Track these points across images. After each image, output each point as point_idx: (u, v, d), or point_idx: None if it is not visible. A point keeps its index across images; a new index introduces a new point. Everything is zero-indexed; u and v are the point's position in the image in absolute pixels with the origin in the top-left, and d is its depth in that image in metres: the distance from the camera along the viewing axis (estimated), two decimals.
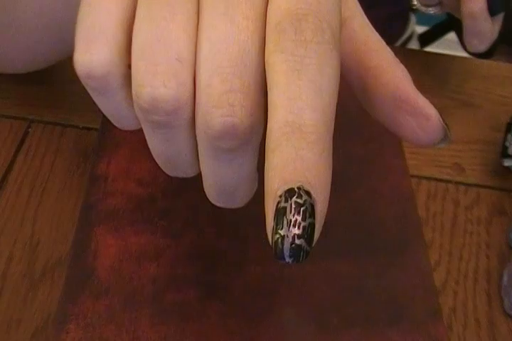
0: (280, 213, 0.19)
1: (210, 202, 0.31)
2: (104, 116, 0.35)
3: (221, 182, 0.22)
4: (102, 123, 0.34)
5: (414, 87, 0.23)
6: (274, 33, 0.19)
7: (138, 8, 0.21)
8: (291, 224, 0.19)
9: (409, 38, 0.85)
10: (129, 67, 0.21)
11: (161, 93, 0.19)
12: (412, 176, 0.42)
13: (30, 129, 0.43)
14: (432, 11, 0.50)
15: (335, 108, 0.20)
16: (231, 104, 0.19)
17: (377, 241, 0.30)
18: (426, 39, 1.03)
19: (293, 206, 0.18)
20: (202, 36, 0.20)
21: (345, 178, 0.33)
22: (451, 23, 0.98)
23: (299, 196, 0.18)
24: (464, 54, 0.59)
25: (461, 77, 0.53)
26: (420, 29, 0.95)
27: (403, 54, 0.55)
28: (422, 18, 0.99)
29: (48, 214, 0.38)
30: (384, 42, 0.24)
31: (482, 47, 0.50)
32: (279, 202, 0.19)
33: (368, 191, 0.33)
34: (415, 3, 0.50)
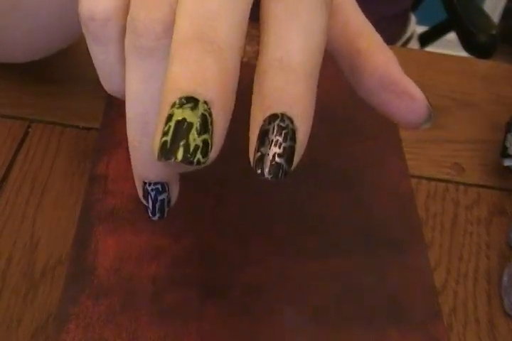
0: (263, 134, 0.20)
1: (210, 201, 0.31)
2: (104, 116, 0.35)
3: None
4: (102, 123, 0.34)
5: (400, 69, 0.24)
6: None
7: None
8: (273, 143, 0.20)
9: (410, 38, 0.85)
10: None
11: (157, 15, 0.21)
12: (412, 176, 0.42)
13: (30, 129, 0.43)
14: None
15: (323, 52, 0.21)
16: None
17: (377, 241, 0.30)
18: (426, 39, 1.03)
19: (275, 128, 0.20)
20: None
21: (345, 178, 0.33)
22: (451, 23, 0.99)
23: (282, 120, 0.20)
24: (464, 54, 0.59)
25: (461, 77, 0.53)
26: (420, 29, 0.96)
27: (403, 54, 0.55)
28: (422, 18, 0.99)
29: (47, 214, 0.38)
30: (373, 27, 0.25)
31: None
32: (263, 125, 0.20)
33: (368, 191, 0.33)
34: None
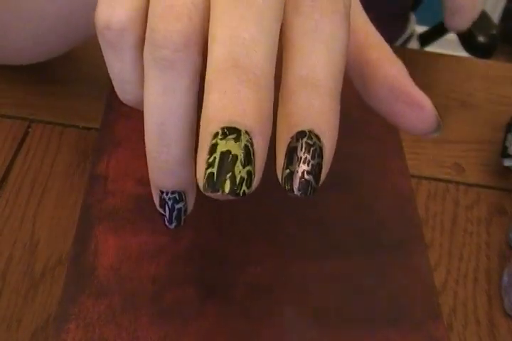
0: (291, 151, 0.20)
1: (211, 201, 0.31)
2: (104, 115, 0.35)
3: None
4: (101, 123, 0.34)
5: (410, 79, 0.25)
6: None
7: None
8: (301, 160, 0.20)
9: (409, 38, 0.85)
10: (145, 32, 0.22)
11: (176, 26, 0.21)
12: (412, 176, 0.42)
13: (30, 129, 0.43)
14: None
15: (344, 66, 0.22)
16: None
17: (377, 241, 0.30)
18: (426, 39, 1.03)
19: (303, 145, 0.20)
20: None
21: (345, 178, 0.33)
22: None
23: (310, 138, 0.20)
24: (464, 54, 0.59)
25: (461, 77, 0.53)
26: (420, 29, 0.95)
27: (403, 54, 0.54)
28: (422, 18, 0.99)
29: (48, 214, 0.38)
30: (382, 38, 0.26)
31: (464, 24, 0.48)
32: (290, 142, 0.20)
33: (368, 191, 0.33)
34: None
